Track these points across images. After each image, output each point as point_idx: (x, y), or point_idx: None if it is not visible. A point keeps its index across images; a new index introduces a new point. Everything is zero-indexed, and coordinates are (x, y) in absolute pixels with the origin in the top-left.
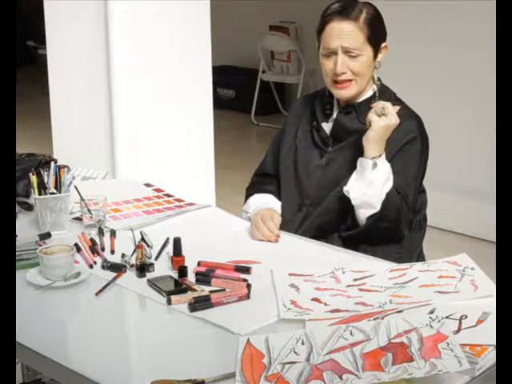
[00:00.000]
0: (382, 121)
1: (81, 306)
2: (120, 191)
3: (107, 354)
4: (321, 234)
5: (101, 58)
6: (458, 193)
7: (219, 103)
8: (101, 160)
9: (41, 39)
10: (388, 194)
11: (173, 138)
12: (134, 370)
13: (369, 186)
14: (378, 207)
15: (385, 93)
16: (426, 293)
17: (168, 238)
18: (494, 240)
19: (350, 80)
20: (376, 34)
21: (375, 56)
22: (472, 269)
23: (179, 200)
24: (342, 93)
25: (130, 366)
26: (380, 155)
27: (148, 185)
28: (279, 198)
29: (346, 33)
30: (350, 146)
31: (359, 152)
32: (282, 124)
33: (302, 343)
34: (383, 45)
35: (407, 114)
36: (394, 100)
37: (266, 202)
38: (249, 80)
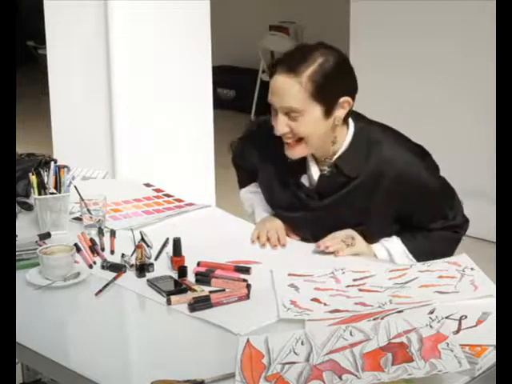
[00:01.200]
0: (349, 250)
1: (81, 306)
2: (120, 191)
3: (107, 354)
4: None
5: (101, 58)
6: (458, 193)
7: (219, 103)
8: (101, 160)
9: (41, 39)
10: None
11: (173, 138)
12: (134, 370)
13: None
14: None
15: (362, 135)
16: (425, 293)
17: (168, 238)
18: (494, 240)
19: (299, 139)
20: (325, 91)
21: (328, 114)
22: (472, 269)
23: (179, 200)
24: (291, 154)
25: (130, 366)
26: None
27: (148, 185)
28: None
29: (284, 89)
30: (339, 199)
31: (349, 207)
32: (249, 130)
33: (302, 343)
34: (342, 100)
35: (397, 155)
36: (376, 141)
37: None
38: (249, 80)
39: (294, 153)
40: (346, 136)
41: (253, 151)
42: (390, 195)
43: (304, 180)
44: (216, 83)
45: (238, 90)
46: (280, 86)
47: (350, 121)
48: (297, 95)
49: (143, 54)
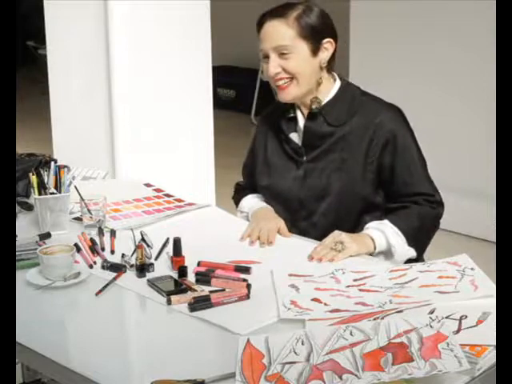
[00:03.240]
0: (342, 255)
1: (81, 306)
2: (120, 191)
3: (107, 354)
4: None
5: (101, 58)
6: (458, 193)
7: (219, 103)
8: (101, 160)
9: (41, 39)
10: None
11: (173, 137)
12: (134, 370)
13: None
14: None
15: (347, 90)
16: (425, 293)
17: (168, 238)
18: (494, 240)
19: (290, 79)
20: (310, 30)
21: (314, 53)
22: (472, 269)
23: (179, 200)
24: (283, 95)
25: (130, 366)
26: (372, 247)
27: (148, 185)
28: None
29: (273, 31)
30: (325, 152)
31: (336, 157)
32: (250, 146)
33: (302, 343)
34: (325, 41)
35: (380, 109)
36: (360, 95)
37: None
38: (249, 80)
39: (287, 93)
40: (332, 88)
41: (250, 155)
42: (374, 150)
43: (293, 137)
44: (216, 83)
45: (237, 90)
46: (269, 29)
47: (336, 76)
48: (285, 34)
49: (143, 53)
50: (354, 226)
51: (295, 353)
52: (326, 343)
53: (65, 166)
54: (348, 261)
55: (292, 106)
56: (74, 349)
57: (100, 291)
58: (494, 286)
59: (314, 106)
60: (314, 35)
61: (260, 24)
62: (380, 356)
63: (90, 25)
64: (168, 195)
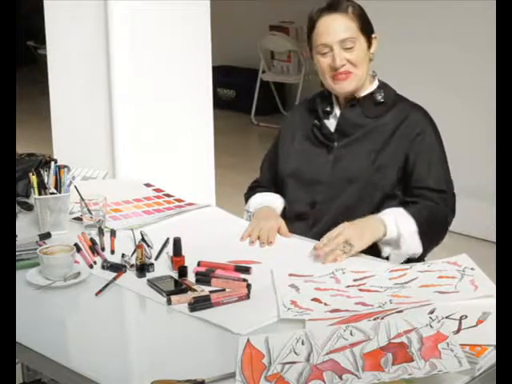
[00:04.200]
0: (347, 255)
1: (81, 306)
2: (120, 191)
3: (107, 353)
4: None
5: (101, 58)
6: (458, 193)
7: (219, 103)
8: (101, 160)
9: (41, 39)
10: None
11: (173, 137)
12: (134, 370)
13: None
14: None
15: (385, 87)
16: (425, 293)
17: (168, 238)
18: (494, 240)
19: (350, 72)
20: (366, 25)
21: (369, 46)
22: (472, 269)
23: (179, 200)
24: (345, 85)
25: (130, 365)
26: (381, 235)
27: (148, 185)
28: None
29: (338, 25)
30: (357, 140)
31: (368, 145)
32: (276, 136)
33: (302, 343)
34: (374, 35)
35: (411, 108)
36: (395, 96)
37: (270, 201)
38: (249, 80)
39: (348, 84)
40: (372, 84)
41: (273, 149)
42: (403, 144)
43: (327, 123)
44: (216, 83)
45: (237, 90)
46: (333, 23)
47: (374, 73)
48: (350, 26)
49: (143, 54)
50: (371, 213)
51: (295, 353)
52: (326, 343)
53: (65, 166)
54: (348, 261)
55: (330, 96)
56: (74, 349)
57: (100, 291)
58: (494, 286)
59: (379, 96)
60: (368, 29)
61: (315, 19)
62: (380, 356)
63: (89, 25)
64: (168, 195)
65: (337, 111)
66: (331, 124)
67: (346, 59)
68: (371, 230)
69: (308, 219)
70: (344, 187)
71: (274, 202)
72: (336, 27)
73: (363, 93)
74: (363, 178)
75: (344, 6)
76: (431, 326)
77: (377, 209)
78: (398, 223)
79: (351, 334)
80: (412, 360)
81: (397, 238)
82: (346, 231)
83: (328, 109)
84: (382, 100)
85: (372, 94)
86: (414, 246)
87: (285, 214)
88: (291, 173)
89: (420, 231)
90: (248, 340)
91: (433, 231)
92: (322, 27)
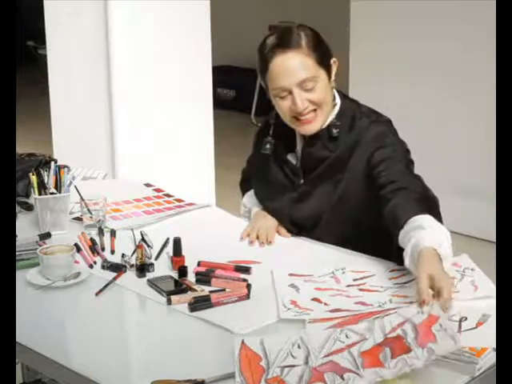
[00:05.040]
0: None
1: (81, 306)
2: (120, 191)
3: (107, 353)
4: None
5: (101, 58)
6: (457, 193)
7: (219, 103)
8: (101, 160)
9: (41, 39)
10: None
11: (173, 138)
12: (134, 370)
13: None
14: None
15: (347, 110)
16: None
17: (168, 238)
18: (494, 240)
19: (314, 113)
20: (324, 54)
21: (329, 76)
22: (472, 269)
23: (179, 200)
24: (308, 128)
25: (130, 365)
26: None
27: (148, 185)
28: None
29: (294, 65)
30: (321, 176)
31: (332, 176)
32: (253, 147)
33: (299, 347)
34: (332, 61)
35: (370, 124)
36: (351, 117)
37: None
38: (249, 80)
39: (314, 125)
40: (334, 109)
41: (253, 156)
42: (366, 161)
43: (291, 158)
44: (216, 83)
45: (238, 90)
46: (288, 64)
47: (336, 94)
48: (307, 65)
49: (143, 53)
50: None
51: (292, 356)
52: (323, 346)
53: (65, 166)
54: (348, 260)
55: (293, 133)
56: (74, 349)
57: (100, 291)
58: (494, 287)
59: (335, 130)
60: (326, 58)
61: (267, 59)
62: (378, 352)
63: (90, 25)
64: (168, 195)
65: (298, 146)
66: (295, 157)
67: (308, 100)
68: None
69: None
70: (310, 222)
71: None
72: (292, 68)
73: (324, 124)
74: (328, 217)
75: (296, 38)
76: (422, 313)
77: (359, 222)
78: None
79: (347, 337)
80: (410, 350)
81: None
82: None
83: (289, 143)
84: (337, 135)
85: (335, 119)
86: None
87: None
88: (261, 202)
89: (425, 205)
90: (243, 341)
91: (430, 200)
92: (277, 69)
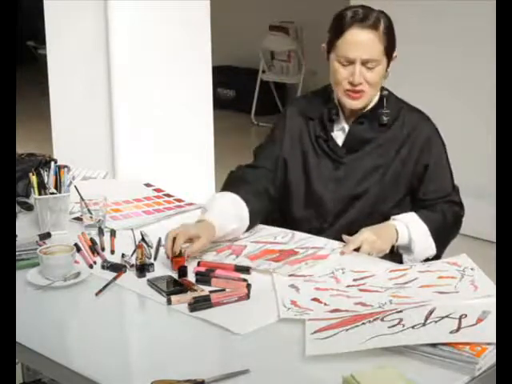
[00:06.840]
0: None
1: (81, 306)
2: (120, 191)
3: (107, 353)
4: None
5: (101, 58)
6: None
7: (219, 103)
8: (101, 160)
9: (41, 39)
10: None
11: (173, 137)
12: (134, 370)
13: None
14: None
15: (388, 97)
16: (425, 293)
17: (160, 238)
18: (494, 240)
19: (364, 91)
20: (391, 45)
21: (388, 65)
22: (472, 269)
23: (179, 200)
24: (355, 103)
25: (129, 366)
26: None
27: (148, 185)
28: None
29: (366, 43)
30: (366, 155)
31: (377, 160)
32: (279, 125)
33: None
34: (394, 54)
35: (418, 119)
36: (395, 103)
37: (223, 217)
38: (249, 80)
39: (360, 102)
40: (378, 95)
41: (277, 142)
42: (411, 155)
43: (335, 136)
44: (216, 83)
45: (237, 90)
46: (362, 39)
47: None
48: (378, 48)
49: (143, 53)
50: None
51: None
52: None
53: (65, 166)
54: (348, 261)
55: (336, 109)
56: (74, 349)
57: (100, 291)
58: (494, 287)
59: (385, 118)
60: (392, 49)
61: (345, 27)
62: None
63: (89, 25)
64: (168, 195)
65: (344, 125)
66: (337, 137)
67: (365, 78)
68: (385, 238)
69: (313, 232)
70: (350, 203)
71: (226, 219)
72: (365, 44)
73: (369, 106)
74: (372, 194)
75: (376, 19)
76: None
77: (386, 219)
78: (409, 228)
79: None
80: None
81: (408, 244)
82: (368, 238)
83: (334, 118)
84: (386, 122)
85: (377, 109)
86: (427, 250)
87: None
88: (298, 181)
89: (433, 235)
90: None
91: (446, 233)
92: (351, 40)
